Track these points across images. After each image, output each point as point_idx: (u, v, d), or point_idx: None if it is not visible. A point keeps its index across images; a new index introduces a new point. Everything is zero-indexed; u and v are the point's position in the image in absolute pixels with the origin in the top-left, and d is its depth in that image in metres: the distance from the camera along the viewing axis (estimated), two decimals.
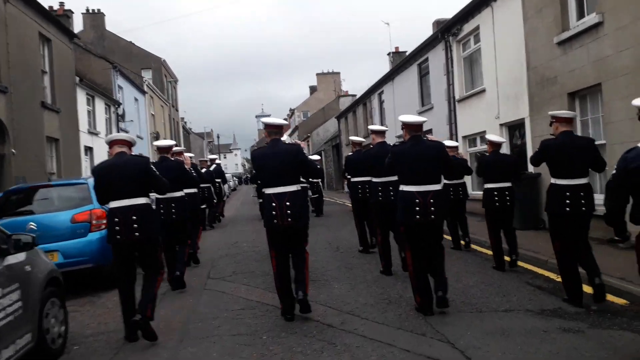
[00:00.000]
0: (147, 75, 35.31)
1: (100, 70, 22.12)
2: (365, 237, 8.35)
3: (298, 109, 62.09)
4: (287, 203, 4.86)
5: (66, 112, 16.02)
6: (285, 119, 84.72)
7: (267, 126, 5.15)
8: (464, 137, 13.82)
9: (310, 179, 8.38)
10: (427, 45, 15.93)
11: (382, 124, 22.29)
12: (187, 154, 8.77)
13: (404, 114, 5.44)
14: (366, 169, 7.15)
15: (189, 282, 6.83)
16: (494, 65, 11.76)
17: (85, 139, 18.07)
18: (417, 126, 5.14)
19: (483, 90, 12.45)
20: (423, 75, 17.03)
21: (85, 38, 33.21)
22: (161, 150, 7.15)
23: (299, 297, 4.94)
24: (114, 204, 4.65)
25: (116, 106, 22.05)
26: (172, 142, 7.65)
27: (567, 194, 4.84)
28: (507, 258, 6.75)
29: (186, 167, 7.45)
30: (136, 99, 26.52)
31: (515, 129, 11.41)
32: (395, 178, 5.42)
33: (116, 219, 4.58)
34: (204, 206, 16.24)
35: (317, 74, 60.44)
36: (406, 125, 5.10)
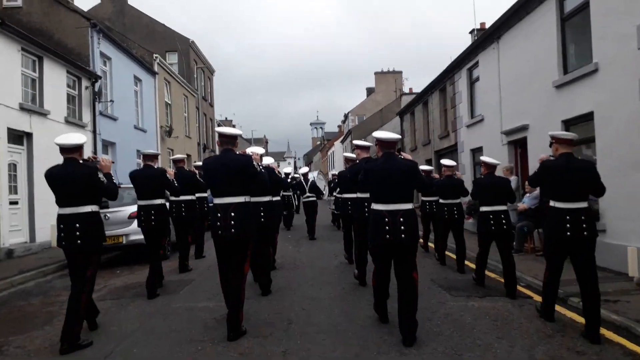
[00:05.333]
0: (172, 59, 29.69)
1: (73, 29, 15.98)
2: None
3: (352, 112, 54.72)
4: (232, 214, 4.90)
5: None
6: (339, 126, 78.04)
7: (220, 136, 5.19)
8: None
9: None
10: None
11: (472, 115, 14.73)
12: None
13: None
14: (352, 185, 6.93)
15: None
16: None
17: (13, 119, 11.75)
18: (390, 143, 4.96)
19: None
20: (567, 16, 9.25)
21: (102, 13, 28.10)
22: (146, 157, 7.45)
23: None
24: (60, 211, 4.86)
25: (92, 80, 15.78)
26: (157, 152, 7.78)
27: (567, 217, 4.72)
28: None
29: (168, 176, 7.36)
30: (138, 79, 20.31)
31: None
32: None
33: (61, 226, 4.81)
34: (285, 212, 14.62)
35: (376, 73, 52.91)
36: (379, 142, 4.96)
